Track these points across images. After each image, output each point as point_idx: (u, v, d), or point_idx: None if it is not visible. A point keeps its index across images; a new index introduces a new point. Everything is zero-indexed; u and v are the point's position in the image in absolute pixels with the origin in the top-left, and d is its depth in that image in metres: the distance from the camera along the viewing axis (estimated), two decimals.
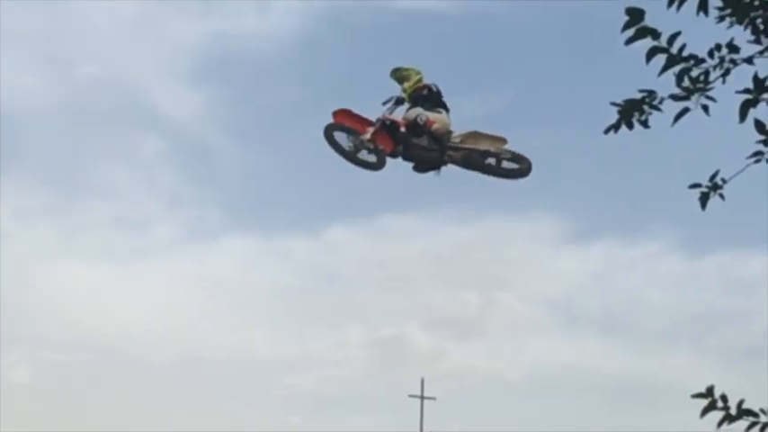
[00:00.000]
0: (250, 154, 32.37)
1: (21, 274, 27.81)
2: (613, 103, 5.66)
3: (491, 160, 13.67)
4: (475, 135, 13.75)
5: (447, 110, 13.88)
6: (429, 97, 13.78)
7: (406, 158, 13.66)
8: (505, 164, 13.72)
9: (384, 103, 13.75)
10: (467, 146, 13.63)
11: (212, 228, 31.61)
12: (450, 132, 13.61)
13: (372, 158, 13.55)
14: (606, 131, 5.72)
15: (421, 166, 13.73)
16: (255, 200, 33.10)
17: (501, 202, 31.14)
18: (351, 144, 13.42)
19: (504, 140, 13.77)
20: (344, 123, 13.56)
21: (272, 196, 32.06)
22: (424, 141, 13.46)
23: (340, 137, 13.50)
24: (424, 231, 31.75)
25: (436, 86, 13.89)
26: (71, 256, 29.08)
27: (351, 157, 13.48)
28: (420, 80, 13.84)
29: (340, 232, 32.41)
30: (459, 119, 13.94)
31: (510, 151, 13.73)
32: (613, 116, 5.66)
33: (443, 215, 32.40)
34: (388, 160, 13.68)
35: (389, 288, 31.15)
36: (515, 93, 31.61)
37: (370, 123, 13.56)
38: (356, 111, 13.72)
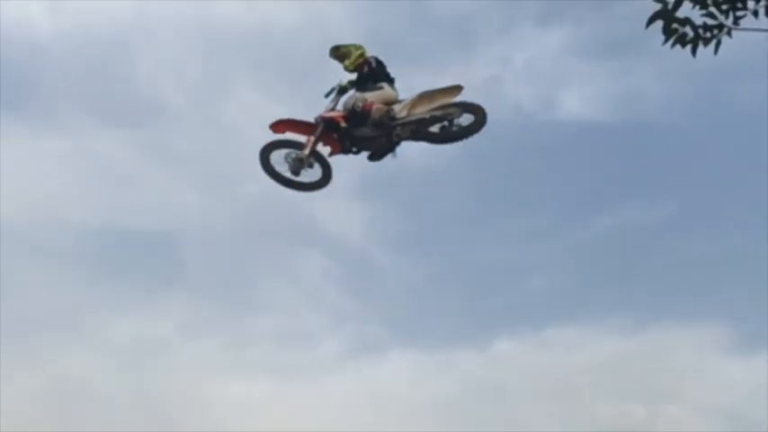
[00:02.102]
0: (413, 267, 32.33)
1: (186, 389, 28.11)
2: None
3: (445, 123, 12.33)
4: (427, 96, 12.45)
5: (391, 81, 12.70)
6: (371, 74, 12.62)
7: (357, 152, 12.54)
8: (459, 120, 12.31)
9: (327, 95, 12.65)
10: (414, 117, 12.33)
11: (376, 342, 31.49)
12: (389, 111, 12.34)
13: (316, 174, 12.42)
14: None
15: (374, 156, 12.60)
16: (419, 314, 32.91)
17: (665, 310, 30.38)
18: (289, 165, 12.30)
19: (458, 88, 12.46)
20: (286, 131, 12.43)
21: (435, 310, 31.91)
22: (367, 131, 12.34)
23: (278, 159, 12.35)
24: (587, 342, 31.06)
25: (376, 59, 12.71)
26: (235, 372, 29.28)
27: (292, 183, 12.39)
28: (361, 55, 12.72)
29: (504, 345, 31.95)
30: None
31: (458, 105, 12.36)
32: None
33: (606, 325, 31.66)
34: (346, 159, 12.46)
35: (555, 400, 30.43)
36: (680, 201, 31.00)
37: (312, 126, 12.43)
38: (295, 117, 12.50)
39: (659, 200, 31.16)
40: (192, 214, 29.78)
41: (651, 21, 8.41)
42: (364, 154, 12.61)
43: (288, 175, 12.31)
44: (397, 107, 12.40)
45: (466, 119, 12.25)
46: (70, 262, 27.62)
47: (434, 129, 12.32)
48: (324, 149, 12.56)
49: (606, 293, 30.76)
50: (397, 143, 12.43)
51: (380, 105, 12.33)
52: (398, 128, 12.29)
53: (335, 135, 12.44)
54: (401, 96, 12.59)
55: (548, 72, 30.24)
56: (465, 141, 12.32)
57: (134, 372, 27.54)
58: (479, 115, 12.19)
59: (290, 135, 12.50)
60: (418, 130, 12.29)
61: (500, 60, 29.27)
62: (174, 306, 29.21)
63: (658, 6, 8.38)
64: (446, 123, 12.28)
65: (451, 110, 12.26)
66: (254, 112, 27.78)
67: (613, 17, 28.46)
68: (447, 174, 29.92)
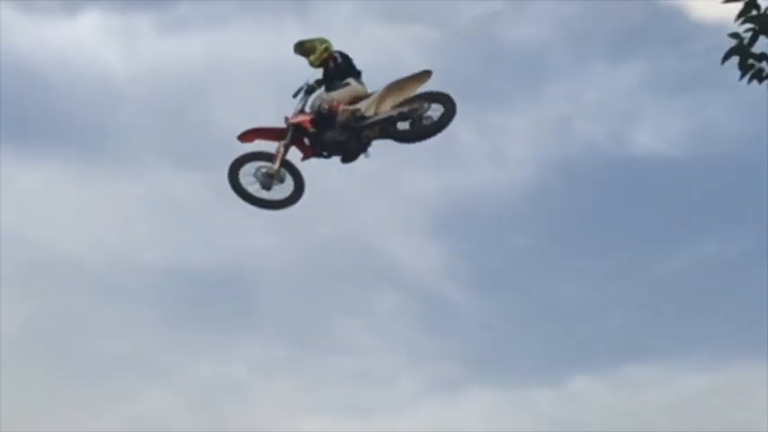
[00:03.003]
0: (488, 305, 32.33)
1: (262, 430, 28.34)
2: None
3: (414, 119, 11.62)
4: (396, 86, 11.79)
5: (358, 74, 12.08)
6: (337, 69, 12.00)
7: (329, 156, 11.92)
8: (428, 114, 11.62)
9: (294, 96, 12.07)
10: (381, 116, 11.67)
11: (453, 381, 31.41)
12: (356, 111, 11.68)
13: (288, 188, 11.86)
14: None
15: (347, 158, 11.97)
16: (495, 351, 32.88)
17: (744, 345, 29.99)
18: (259, 181, 11.70)
19: (427, 74, 11.80)
20: (255, 140, 11.86)
21: (511, 347, 31.85)
22: (335, 135, 11.70)
23: (247, 175, 11.76)
24: (665, 379, 30.77)
25: (341, 53, 12.11)
26: (311, 412, 29.36)
27: (262, 203, 11.84)
28: (326, 49, 12.09)
29: (580, 383, 31.80)
30: None
31: (424, 97, 11.69)
32: None
33: (685, 362, 31.31)
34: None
35: None
36: (756, 236, 30.66)
37: (282, 131, 11.87)
38: (264, 125, 11.92)
39: (735, 235, 30.80)
40: (266, 255, 29.91)
41: (727, 57, 8.26)
42: (337, 157, 12.03)
43: (258, 193, 11.84)
44: (363, 104, 11.83)
45: (435, 110, 11.68)
46: (145, 303, 27.74)
47: (404, 126, 11.76)
48: (295, 153, 12.01)
49: (684, 330, 30.42)
50: (368, 144, 11.90)
51: (346, 106, 11.77)
52: (366, 130, 11.76)
53: (306, 139, 11.94)
54: (370, 89, 12.02)
55: (620, 108, 30.11)
56: (442, 134, 11.70)
57: (210, 412, 27.68)
58: (448, 105, 11.62)
59: (261, 143, 12.03)
60: (386, 129, 11.74)
61: (571, 97, 29.24)
62: (248, 346, 29.33)
63: (733, 42, 8.29)
64: (415, 119, 11.68)
65: (417, 105, 11.66)
66: None
67: (687, 53, 28.30)
68: (521, 211, 29.93)
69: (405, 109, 11.64)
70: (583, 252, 30.12)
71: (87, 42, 28.46)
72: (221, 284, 29.35)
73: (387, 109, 11.76)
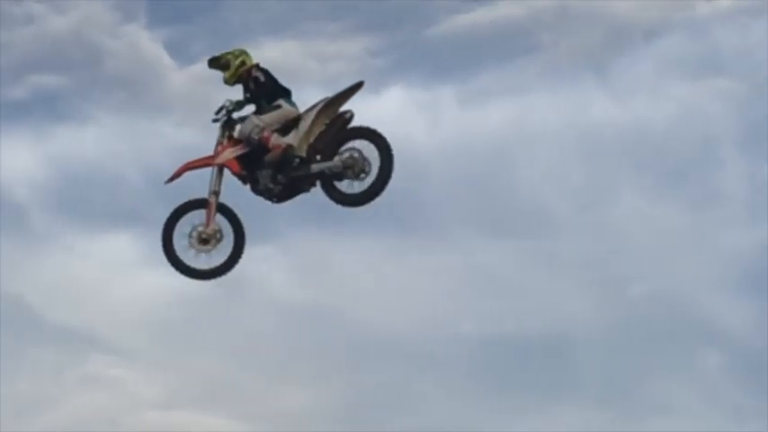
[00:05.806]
0: None
1: None
2: None
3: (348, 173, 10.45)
4: (328, 107, 10.57)
5: (287, 93, 10.79)
6: (261, 90, 10.73)
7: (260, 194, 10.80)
8: (368, 162, 10.44)
9: (216, 113, 10.83)
10: (314, 171, 10.46)
11: None
12: (287, 149, 10.45)
13: (227, 246, 10.72)
14: None
15: (283, 200, 10.77)
16: None
17: None
18: (193, 245, 10.68)
19: (359, 86, 10.57)
20: (184, 173, 10.75)
21: None
22: (268, 183, 10.55)
23: (183, 237, 10.72)
24: None
25: (263, 70, 10.74)
26: None
27: (201, 274, 10.78)
28: (243, 62, 10.76)
29: None
30: None
31: (354, 134, 10.53)
32: None
33: None
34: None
35: None
36: None
37: (211, 160, 10.77)
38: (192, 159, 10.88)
39: None
40: (582, 319, 29.98)
41: None
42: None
43: (195, 263, 10.85)
44: (296, 138, 10.65)
45: (370, 156, 10.48)
46: (464, 373, 28.32)
47: (343, 186, 10.60)
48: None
49: None
50: (306, 189, 10.83)
51: (278, 140, 10.56)
52: (303, 180, 10.65)
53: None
54: (303, 108, 10.82)
55: None
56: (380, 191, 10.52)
57: None
58: (383, 148, 10.48)
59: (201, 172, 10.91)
60: (320, 181, 10.65)
61: None
62: (569, 411, 29.37)
63: None
64: (350, 176, 10.53)
65: (349, 158, 10.47)
66: (638, 213, 27.75)
67: None
68: None
69: (338, 164, 10.53)
70: None
71: (393, 118, 29.41)
72: (538, 350, 29.49)
73: (319, 129, 10.68)
